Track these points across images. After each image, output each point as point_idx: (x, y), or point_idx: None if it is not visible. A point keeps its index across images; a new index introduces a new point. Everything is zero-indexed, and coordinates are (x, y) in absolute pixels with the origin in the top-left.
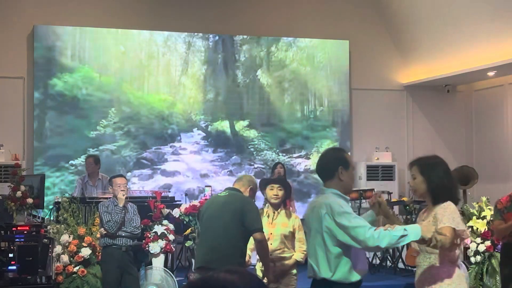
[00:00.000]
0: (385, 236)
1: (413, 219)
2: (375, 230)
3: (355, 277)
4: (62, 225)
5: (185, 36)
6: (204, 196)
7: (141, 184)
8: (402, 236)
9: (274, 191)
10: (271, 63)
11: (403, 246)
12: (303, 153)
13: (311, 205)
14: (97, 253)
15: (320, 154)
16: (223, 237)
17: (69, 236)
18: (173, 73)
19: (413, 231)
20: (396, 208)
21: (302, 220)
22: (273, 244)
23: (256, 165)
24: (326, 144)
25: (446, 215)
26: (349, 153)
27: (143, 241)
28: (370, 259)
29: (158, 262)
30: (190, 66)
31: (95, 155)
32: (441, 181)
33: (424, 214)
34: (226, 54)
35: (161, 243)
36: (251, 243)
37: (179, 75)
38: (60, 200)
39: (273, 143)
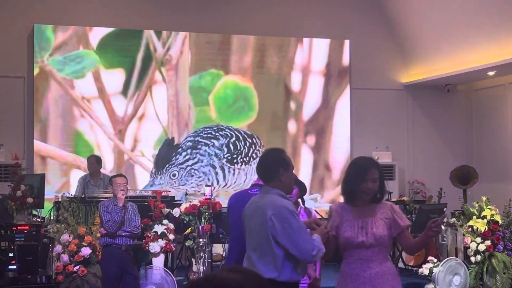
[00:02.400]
0: (318, 248)
1: (413, 219)
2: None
3: (298, 276)
4: (62, 225)
5: (185, 35)
6: (204, 196)
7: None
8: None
9: None
10: (271, 63)
11: None
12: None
13: (254, 204)
14: (97, 253)
15: (260, 155)
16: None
17: (69, 236)
18: (172, 72)
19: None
20: None
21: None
22: None
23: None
24: (327, 144)
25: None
26: (287, 155)
27: (143, 240)
28: None
29: (158, 262)
30: (190, 65)
31: (97, 155)
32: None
33: (349, 216)
34: (225, 53)
35: (161, 242)
36: None
37: (177, 74)
38: (60, 199)
39: (273, 144)
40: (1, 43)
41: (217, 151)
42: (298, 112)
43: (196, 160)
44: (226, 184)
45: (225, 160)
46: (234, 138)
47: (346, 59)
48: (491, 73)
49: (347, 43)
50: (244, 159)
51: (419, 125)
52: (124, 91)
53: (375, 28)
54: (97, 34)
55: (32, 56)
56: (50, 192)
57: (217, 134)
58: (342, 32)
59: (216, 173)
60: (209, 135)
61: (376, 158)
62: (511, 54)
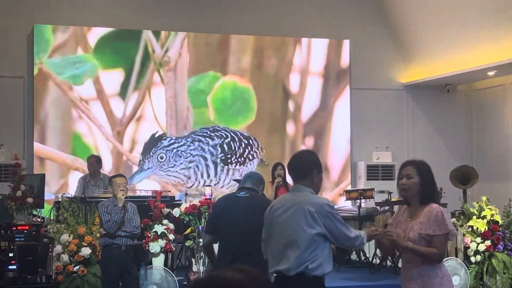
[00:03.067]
0: (359, 235)
1: None
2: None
3: (330, 268)
4: (62, 225)
5: (184, 36)
6: (204, 196)
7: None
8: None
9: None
10: (269, 64)
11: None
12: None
13: (285, 200)
14: (97, 253)
15: (293, 155)
16: (251, 241)
17: (69, 236)
18: (171, 74)
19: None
20: (396, 208)
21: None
22: None
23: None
24: (326, 146)
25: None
26: None
27: (143, 240)
28: (370, 259)
29: (158, 262)
30: (188, 66)
31: (97, 155)
32: (434, 184)
33: (404, 215)
34: (224, 55)
35: (161, 242)
36: None
37: (175, 75)
38: (60, 199)
39: (272, 145)
40: (1, 43)
41: (211, 149)
42: (296, 114)
43: (181, 143)
44: (218, 182)
45: (218, 160)
46: (229, 139)
47: (344, 60)
48: (491, 73)
49: (345, 43)
50: (239, 159)
51: (419, 125)
52: (123, 93)
53: (375, 28)
54: (95, 35)
55: (32, 56)
56: (49, 194)
57: (212, 134)
58: (342, 32)
59: (207, 165)
60: (204, 134)
61: (376, 158)
62: (511, 54)
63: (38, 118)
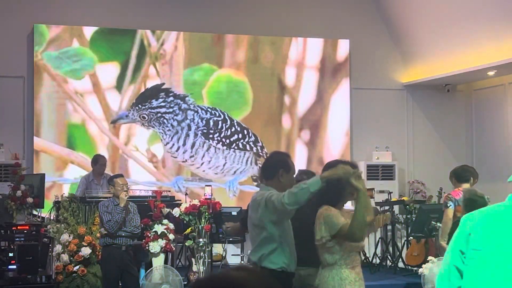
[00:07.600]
0: (289, 194)
1: (413, 218)
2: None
3: (274, 264)
4: (62, 225)
5: (184, 35)
6: (205, 195)
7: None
8: (302, 189)
9: None
10: (265, 57)
11: (403, 245)
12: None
13: (254, 201)
14: (97, 253)
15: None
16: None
17: (69, 236)
18: (167, 67)
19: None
20: (396, 208)
21: None
22: None
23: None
24: (321, 140)
25: None
26: (291, 159)
27: (143, 240)
28: (370, 259)
29: (158, 262)
30: (184, 59)
31: (101, 155)
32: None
33: None
34: (220, 48)
35: (161, 242)
36: None
37: (171, 68)
38: (60, 199)
39: (267, 138)
40: (1, 43)
41: (199, 121)
42: (292, 107)
43: (170, 110)
44: (193, 155)
45: (200, 132)
46: (220, 118)
47: (341, 54)
48: (491, 73)
49: (347, 42)
50: (223, 140)
51: (419, 125)
52: (119, 86)
53: (375, 28)
54: (91, 28)
55: (32, 56)
56: (49, 177)
57: (208, 110)
58: (342, 32)
59: (187, 135)
60: (202, 107)
61: (376, 158)
62: (511, 54)
63: (34, 112)
